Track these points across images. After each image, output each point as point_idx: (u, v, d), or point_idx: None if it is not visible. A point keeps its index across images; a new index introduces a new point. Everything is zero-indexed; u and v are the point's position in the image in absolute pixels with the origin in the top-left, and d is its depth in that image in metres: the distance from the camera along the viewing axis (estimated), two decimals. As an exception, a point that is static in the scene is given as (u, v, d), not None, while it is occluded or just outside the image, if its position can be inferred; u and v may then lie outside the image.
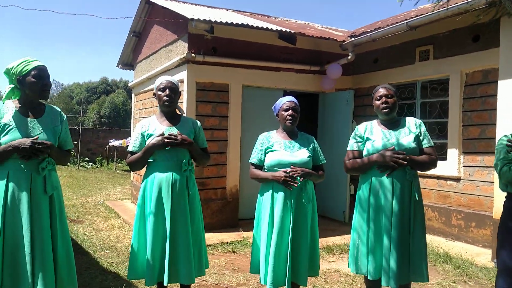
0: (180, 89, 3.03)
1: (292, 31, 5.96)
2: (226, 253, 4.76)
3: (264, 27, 5.81)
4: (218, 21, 5.40)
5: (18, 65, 2.32)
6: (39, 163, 2.31)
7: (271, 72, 6.22)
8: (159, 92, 2.84)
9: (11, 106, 2.35)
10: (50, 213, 2.36)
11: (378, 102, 2.81)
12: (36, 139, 2.26)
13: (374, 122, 2.90)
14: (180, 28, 5.95)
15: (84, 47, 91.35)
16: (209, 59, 5.68)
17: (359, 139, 2.88)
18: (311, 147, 2.96)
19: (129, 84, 8.90)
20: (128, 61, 9.09)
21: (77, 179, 11.83)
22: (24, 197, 2.26)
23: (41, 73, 2.35)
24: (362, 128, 2.90)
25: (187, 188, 2.80)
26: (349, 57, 6.21)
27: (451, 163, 5.34)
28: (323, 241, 4.81)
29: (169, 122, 2.87)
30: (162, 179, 2.74)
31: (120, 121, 34.82)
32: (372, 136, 2.82)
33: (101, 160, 17.00)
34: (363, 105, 6.53)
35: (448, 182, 5.39)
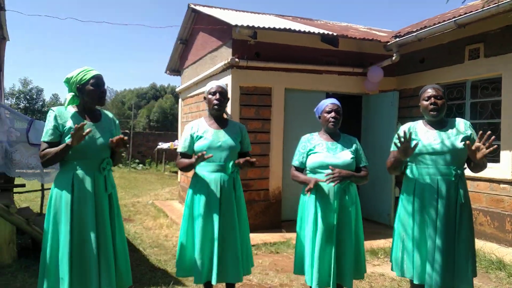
0: None
1: (335, 34, 5.95)
2: (269, 253, 4.84)
3: (306, 30, 5.84)
4: (261, 26, 5.51)
5: (77, 75, 2.49)
6: (100, 163, 2.50)
7: (313, 75, 6.24)
8: (210, 96, 2.95)
9: (73, 111, 2.55)
10: (109, 211, 2.53)
11: (426, 103, 2.74)
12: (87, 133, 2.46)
13: (419, 123, 2.85)
14: (224, 35, 6.12)
15: (134, 55, 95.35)
16: (252, 63, 5.80)
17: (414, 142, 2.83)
18: (353, 148, 2.96)
19: (176, 90, 9.23)
20: (176, 67, 9.44)
21: (128, 180, 12.40)
22: (89, 195, 2.43)
23: (99, 82, 2.52)
24: (404, 129, 2.87)
25: (234, 189, 2.89)
26: (393, 58, 6.09)
27: (505, 166, 5.08)
28: (367, 244, 4.74)
29: (218, 125, 2.97)
30: (210, 180, 2.84)
31: (168, 124, 35.99)
32: (417, 136, 2.78)
33: (150, 162, 17.69)
34: (408, 106, 6.37)
35: (501, 185, 5.14)
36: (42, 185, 5.55)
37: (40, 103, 39.37)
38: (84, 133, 2.30)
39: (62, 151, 2.37)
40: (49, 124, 2.45)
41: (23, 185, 5.51)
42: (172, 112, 37.37)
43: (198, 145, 2.90)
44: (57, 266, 2.37)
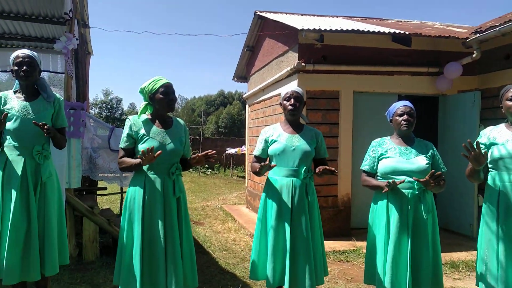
0: None
1: (407, 33, 5.67)
2: (339, 261, 4.71)
3: (376, 31, 5.64)
4: (328, 29, 5.42)
5: (149, 84, 2.64)
6: (169, 169, 2.61)
7: (383, 77, 6.00)
8: (284, 102, 2.94)
9: (145, 119, 2.69)
10: (177, 214, 2.63)
11: (510, 103, 2.52)
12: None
13: (502, 126, 2.61)
14: (291, 39, 6.12)
15: (203, 63, 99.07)
16: (319, 67, 5.73)
17: (482, 147, 2.61)
18: (429, 153, 2.78)
19: (243, 96, 9.40)
20: (243, 74, 9.61)
21: (198, 185, 12.85)
22: (158, 197, 2.55)
23: (168, 90, 2.63)
24: (485, 134, 2.64)
25: (306, 195, 2.85)
26: (473, 55, 5.66)
27: None
28: (446, 256, 4.44)
29: (293, 129, 2.96)
30: (282, 184, 2.84)
31: (235, 130, 36.83)
32: (498, 140, 2.54)
33: (219, 167, 18.20)
34: (492, 107, 5.86)
35: None
36: (121, 188, 5.92)
37: (119, 112, 42.39)
38: (155, 155, 2.41)
39: (136, 166, 2.54)
40: (125, 132, 2.64)
41: (104, 188, 5.94)
42: (239, 118, 38.22)
43: (272, 149, 2.91)
44: (130, 263, 2.51)
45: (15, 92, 2.78)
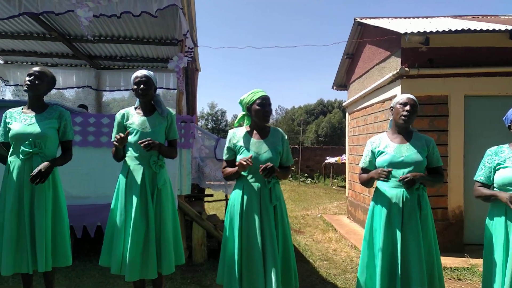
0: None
1: (529, 28, 5.07)
2: (450, 279, 4.35)
3: (490, 29, 5.15)
4: (434, 31, 5.11)
5: (247, 96, 2.80)
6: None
7: (501, 78, 5.43)
8: (398, 106, 2.83)
9: (244, 132, 2.85)
10: (274, 221, 2.72)
11: None
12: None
13: None
14: (393, 44, 5.90)
15: (302, 73, 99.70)
16: (424, 71, 5.41)
17: None
18: None
19: (343, 104, 9.26)
20: (342, 82, 9.49)
21: (298, 193, 12.92)
22: (255, 205, 2.69)
23: (264, 102, 2.76)
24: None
25: (419, 207, 2.72)
26: None
27: None
28: None
29: (401, 139, 2.84)
30: (392, 195, 2.74)
31: (335, 139, 36.25)
32: None
33: (318, 176, 18.08)
34: None
35: None
36: (226, 196, 6.27)
37: (224, 123, 44.75)
38: (247, 163, 2.58)
39: (235, 174, 2.74)
40: (226, 145, 2.87)
41: (211, 195, 6.35)
42: (340, 126, 37.56)
43: (379, 161, 2.82)
44: (231, 266, 2.66)
45: (135, 108, 3.14)
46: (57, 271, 3.22)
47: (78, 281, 3.87)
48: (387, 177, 2.63)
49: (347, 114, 8.96)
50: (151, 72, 3.09)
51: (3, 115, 3.00)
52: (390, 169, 2.65)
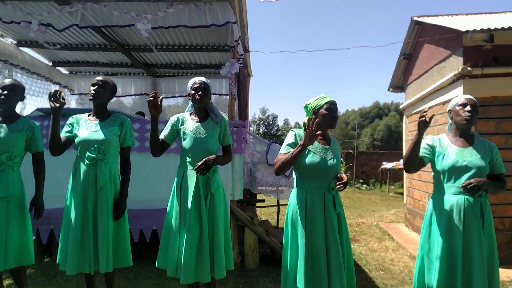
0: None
1: None
2: (521, 296, 4.00)
3: None
4: (499, 27, 4.77)
5: (314, 100, 2.77)
6: (329, 184, 2.65)
7: None
8: (457, 108, 2.69)
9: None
10: (338, 228, 2.65)
11: None
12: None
13: None
14: (453, 43, 5.57)
15: (356, 76, 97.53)
16: (489, 70, 5.06)
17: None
18: None
19: (400, 107, 8.90)
20: (399, 84, 9.14)
21: (352, 200, 12.58)
22: (319, 212, 2.62)
23: (331, 107, 2.71)
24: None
25: (481, 215, 2.56)
26: None
27: None
28: None
29: (464, 142, 2.69)
30: (452, 203, 2.59)
31: (392, 143, 35.01)
32: None
33: (374, 182, 17.48)
34: None
35: None
36: (278, 201, 6.23)
37: (275, 128, 44.81)
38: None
39: (299, 152, 2.57)
40: (288, 140, 2.75)
41: (263, 200, 6.34)
42: (397, 130, 36.22)
43: (440, 164, 2.68)
44: (295, 275, 2.60)
45: (190, 114, 3.21)
46: (117, 272, 3.35)
47: (136, 282, 4.01)
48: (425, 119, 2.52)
49: (404, 117, 8.61)
50: (208, 80, 3.15)
51: (70, 118, 3.16)
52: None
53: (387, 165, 16.00)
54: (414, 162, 2.67)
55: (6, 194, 2.91)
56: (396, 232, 7.13)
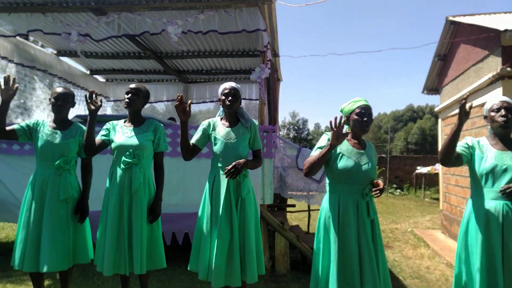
0: None
1: None
2: None
3: None
4: (542, 24, 4.55)
5: (348, 104, 2.73)
6: (363, 189, 2.60)
7: None
8: (492, 113, 2.60)
9: (345, 142, 2.73)
10: (372, 234, 2.59)
11: None
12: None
13: None
14: (491, 43, 5.37)
15: (388, 78, 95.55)
16: (531, 70, 4.83)
17: None
18: None
19: (435, 109, 8.65)
20: (433, 86, 8.88)
21: (386, 205, 12.30)
22: (352, 218, 2.57)
23: (363, 111, 2.65)
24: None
25: None
26: None
27: None
28: None
29: (503, 145, 2.58)
30: (490, 208, 2.48)
31: (427, 147, 34.00)
32: None
33: (408, 187, 17.01)
34: None
35: None
36: (309, 206, 6.17)
37: (306, 132, 44.52)
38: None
39: (328, 150, 2.51)
40: (321, 142, 2.71)
41: (293, 205, 6.30)
42: (432, 133, 35.18)
43: (478, 168, 2.58)
44: (327, 282, 2.56)
45: (221, 119, 3.25)
46: (151, 275, 3.41)
47: (168, 284, 4.08)
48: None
49: (439, 120, 8.35)
50: (238, 85, 3.16)
51: (107, 123, 3.25)
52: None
53: (422, 169, 15.54)
54: (451, 154, 2.55)
55: (65, 196, 3.06)
56: (432, 239, 6.91)
